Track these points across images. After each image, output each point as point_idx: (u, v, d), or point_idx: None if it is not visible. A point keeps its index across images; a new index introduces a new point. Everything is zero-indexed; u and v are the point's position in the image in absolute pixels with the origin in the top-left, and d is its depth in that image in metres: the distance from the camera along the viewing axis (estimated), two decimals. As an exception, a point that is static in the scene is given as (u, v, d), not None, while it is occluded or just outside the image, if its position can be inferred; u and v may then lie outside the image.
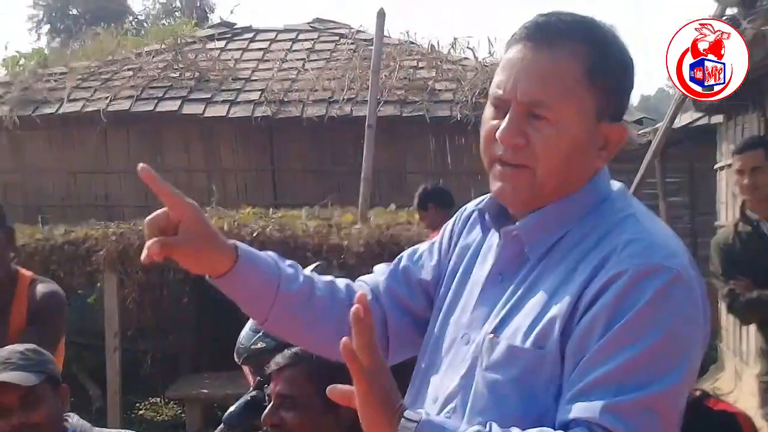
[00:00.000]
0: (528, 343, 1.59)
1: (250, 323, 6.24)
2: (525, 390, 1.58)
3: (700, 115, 11.43)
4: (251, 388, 5.46)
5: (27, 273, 3.64)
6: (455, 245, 1.92)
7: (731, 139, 9.32)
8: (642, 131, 13.50)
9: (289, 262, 1.90)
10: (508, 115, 1.64)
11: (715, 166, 10.28)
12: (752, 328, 8.27)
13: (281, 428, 2.32)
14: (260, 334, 5.93)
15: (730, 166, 9.28)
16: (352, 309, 1.48)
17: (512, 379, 1.59)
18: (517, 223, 1.71)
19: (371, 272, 2.05)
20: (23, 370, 2.76)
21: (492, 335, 1.64)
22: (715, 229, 10.31)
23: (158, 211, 1.68)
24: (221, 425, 6.18)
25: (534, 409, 1.56)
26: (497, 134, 1.65)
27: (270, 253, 1.88)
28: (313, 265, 6.78)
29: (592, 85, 1.63)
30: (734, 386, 8.73)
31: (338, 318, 1.83)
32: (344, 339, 1.48)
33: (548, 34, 1.64)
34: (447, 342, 1.78)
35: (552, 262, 1.65)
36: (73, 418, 2.96)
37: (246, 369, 6.01)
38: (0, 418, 2.75)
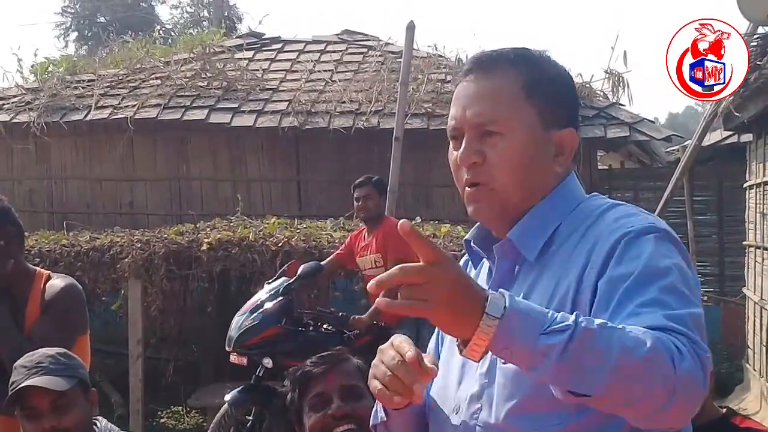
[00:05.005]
0: None
1: (236, 318, 6.51)
2: None
3: (729, 133, 11.36)
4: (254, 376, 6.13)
5: (44, 271, 3.62)
6: None
7: (761, 157, 9.24)
8: (670, 149, 13.42)
9: None
10: (464, 140, 1.82)
11: (744, 185, 10.20)
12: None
13: (352, 417, 2.45)
14: (246, 315, 6.26)
15: (759, 185, 9.24)
16: (399, 226, 1.49)
17: None
18: (507, 236, 1.82)
19: None
20: (54, 375, 2.77)
21: None
22: (743, 248, 10.24)
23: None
24: (225, 405, 6.47)
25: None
26: (458, 159, 1.83)
27: None
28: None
29: (530, 97, 1.80)
30: (759, 407, 8.64)
31: None
32: (404, 221, 1.49)
33: (485, 65, 1.84)
34: (458, 362, 1.85)
35: (548, 260, 1.78)
36: (102, 422, 2.99)
37: (233, 357, 6.32)
38: (31, 421, 2.77)
